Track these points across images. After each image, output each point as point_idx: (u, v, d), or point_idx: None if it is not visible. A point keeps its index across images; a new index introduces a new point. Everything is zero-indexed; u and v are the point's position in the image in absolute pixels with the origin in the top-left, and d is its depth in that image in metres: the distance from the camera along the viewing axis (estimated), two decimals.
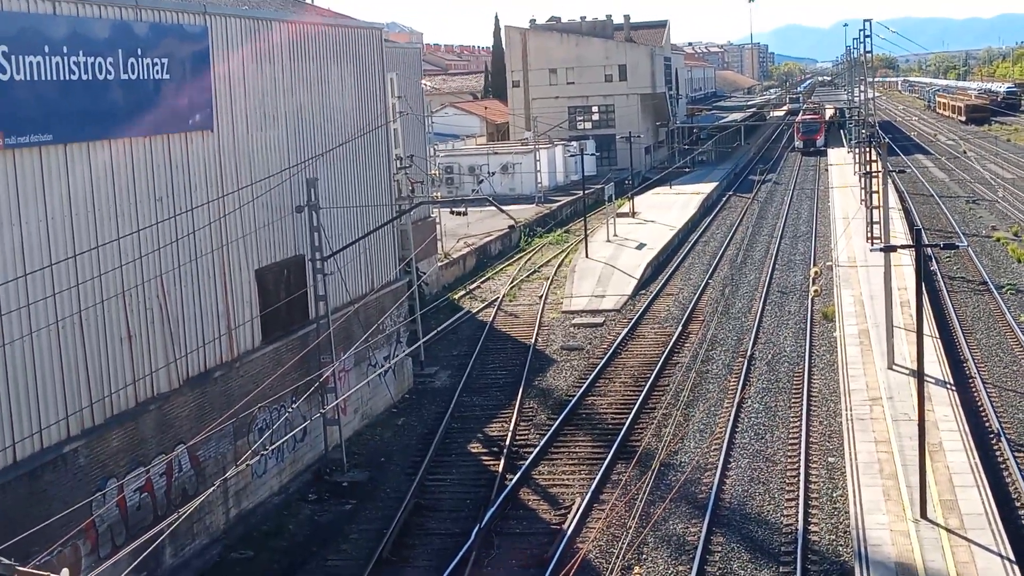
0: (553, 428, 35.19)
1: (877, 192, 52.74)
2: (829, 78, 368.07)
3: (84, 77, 23.28)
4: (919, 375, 26.03)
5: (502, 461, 32.75)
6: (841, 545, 26.31)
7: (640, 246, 66.92)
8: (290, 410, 29.94)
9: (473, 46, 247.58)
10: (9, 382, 21.25)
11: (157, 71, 25.68)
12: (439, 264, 59.50)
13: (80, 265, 23.02)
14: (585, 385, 39.61)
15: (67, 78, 22.79)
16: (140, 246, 24.93)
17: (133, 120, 24.98)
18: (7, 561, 8.36)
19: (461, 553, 26.51)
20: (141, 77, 25.13)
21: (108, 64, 23.99)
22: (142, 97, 25.24)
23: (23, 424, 21.57)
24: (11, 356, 21.27)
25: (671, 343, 44.72)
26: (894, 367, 37.00)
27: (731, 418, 35.08)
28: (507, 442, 34.34)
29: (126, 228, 24.50)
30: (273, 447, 28.26)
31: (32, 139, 21.96)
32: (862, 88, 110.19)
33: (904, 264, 51.81)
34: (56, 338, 22.47)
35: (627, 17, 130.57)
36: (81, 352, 23.21)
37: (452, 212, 73.99)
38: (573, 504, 29.49)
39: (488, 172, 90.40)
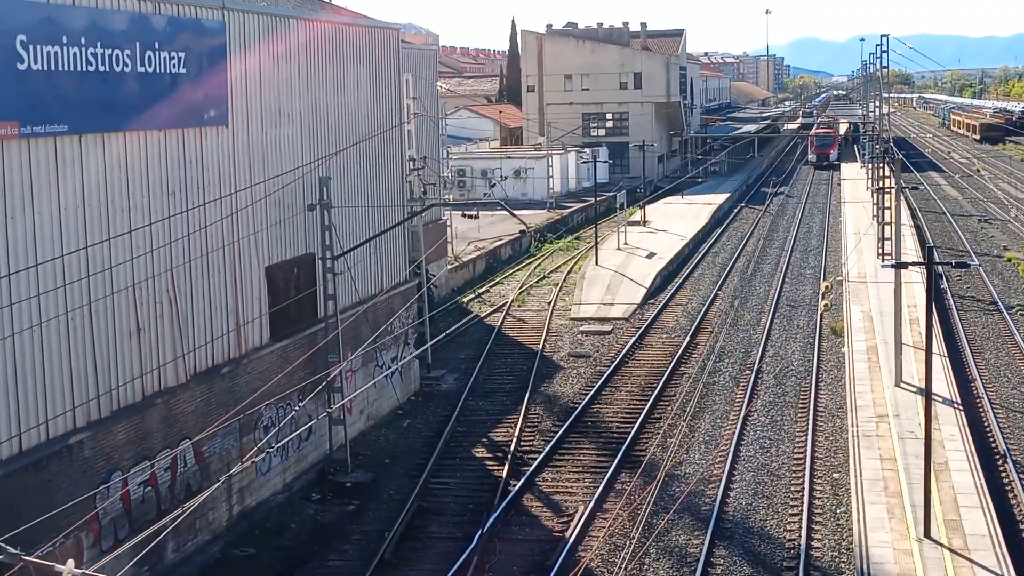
0: (558, 435, 35.13)
1: (889, 208, 52.57)
2: (844, 92, 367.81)
3: (101, 69, 23.29)
4: (927, 393, 25.95)
5: (506, 466, 32.70)
6: (844, 562, 26.22)
7: (650, 255, 66.85)
8: (296, 409, 29.91)
9: (489, 49, 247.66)
10: (17, 371, 21.25)
11: (174, 65, 25.69)
12: (449, 267, 59.47)
13: (91, 256, 23.02)
14: (591, 393, 39.54)
15: (84, 69, 22.80)
16: (151, 239, 24.93)
17: (148, 113, 25.00)
18: (12, 550, 8.33)
19: (463, 557, 26.47)
20: (158, 70, 25.14)
21: (125, 56, 24.00)
22: (158, 90, 25.25)
23: (30, 414, 21.57)
24: (20, 345, 21.28)
25: (679, 353, 44.64)
26: (902, 385, 36.90)
27: (737, 430, 35.00)
28: (512, 447, 34.28)
29: (138, 221, 24.50)
30: (278, 445, 28.22)
31: (48, 129, 21.97)
32: (877, 103, 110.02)
33: (914, 281, 51.68)
34: (65, 329, 22.47)
35: (644, 25, 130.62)
36: (90, 344, 23.21)
37: (464, 215, 73.93)
38: (576, 512, 29.42)
39: (500, 176, 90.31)
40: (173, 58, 25.62)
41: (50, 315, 21.96)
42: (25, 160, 21.50)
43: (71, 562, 9.78)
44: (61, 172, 22.43)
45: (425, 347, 41.36)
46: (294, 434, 30.28)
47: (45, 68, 21.76)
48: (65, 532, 21.15)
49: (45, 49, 21.72)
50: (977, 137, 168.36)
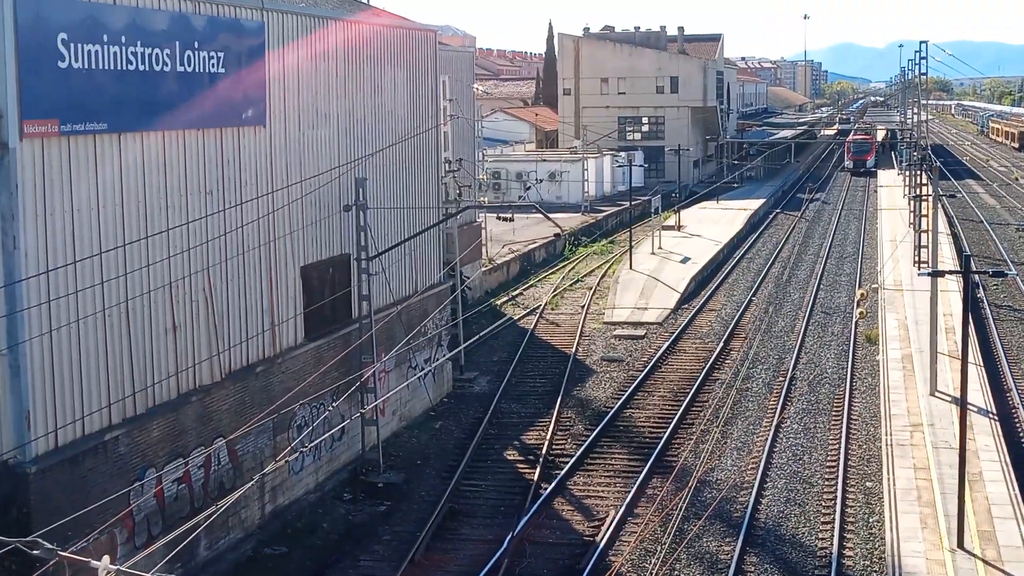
0: (590, 439, 35.09)
1: (926, 216, 52.27)
2: (882, 99, 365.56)
3: (141, 68, 23.46)
4: (962, 403, 25.75)
5: (538, 469, 32.69)
6: (875, 572, 26.07)
7: (685, 260, 66.68)
8: (329, 409, 30.00)
9: (526, 52, 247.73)
10: (54, 368, 21.43)
11: (213, 64, 25.84)
12: (483, 269, 59.51)
13: (128, 255, 23.18)
14: (624, 397, 39.47)
15: (124, 68, 22.96)
16: (188, 238, 25.08)
17: (187, 112, 25.15)
18: (49, 545, 8.39)
19: (494, 559, 26.48)
20: (197, 70, 25.30)
21: (165, 55, 24.16)
22: (197, 90, 25.41)
23: (66, 410, 21.74)
24: (57, 342, 21.46)
25: (712, 359, 44.50)
26: (937, 394, 36.64)
27: (770, 437, 34.85)
28: (543, 451, 34.27)
29: (175, 220, 24.65)
30: (311, 445, 28.31)
31: (87, 127, 22.15)
32: (915, 110, 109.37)
33: (951, 290, 51.29)
34: (102, 326, 22.64)
35: (681, 29, 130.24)
36: (126, 341, 23.37)
37: (499, 217, 74.05)
38: (607, 516, 29.38)
39: (536, 179, 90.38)
40: (212, 58, 25.77)
41: (87, 312, 22.14)
42: (65, 158, 21.68)
43: (107, 558, 9.85)
44: (100, 170, 22.60)
45: (458, 349, 41.42)
46: (327, 434, 30.38)
47: (85, 67, 21.94)
48: (100, 528, 21.31)
49: (86, 48, 21.90)
50: (1016, 145, 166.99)
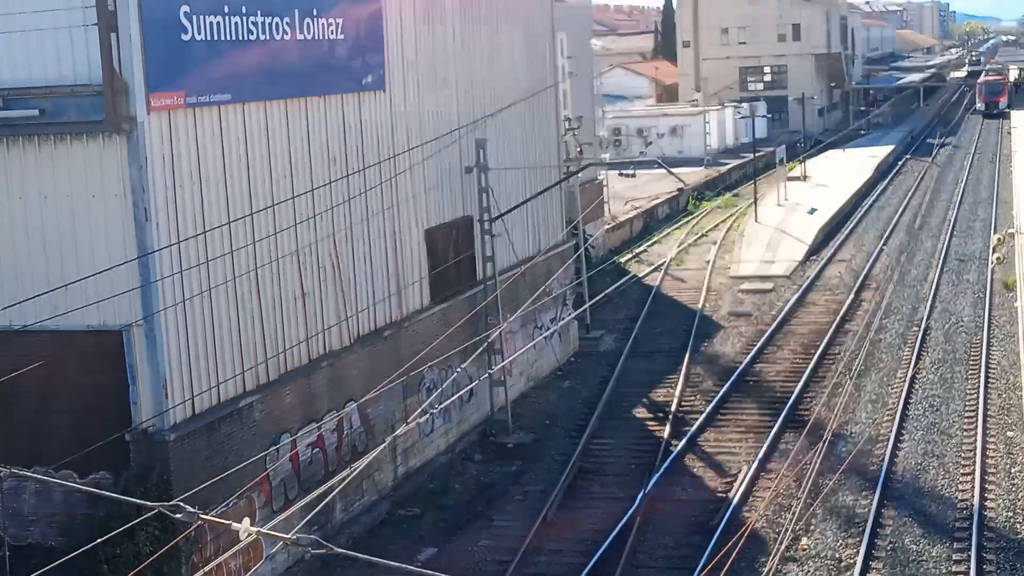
0: (720, 395, 34.76)
1: None
2: (1014, 37, 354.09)
3: (262, 37, 23.68)
4: None
5: (667, 427, 32.49)
6: (1019, 523, 25.40)
7: (812, 211, 65.49)
8: (457, 371, 30.15)
9: (643, 6, 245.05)
10: (189, 337, 21.85)
11: (332, 31, 25.98)
12: (606, 227, 59.20)
13: (256, 223, 23.49)
14: (753, 352, 38.99)
15: (246, 38, 23.20)
16: (314, 205, 25.32)
17: (308, 80, 25.35)
18: (191, 509, 8.52)
19: (626, 517, 26.39)
20: (316, 37, 25.46)
21: (285, 24, 24.35)
22: (317, 57, 25.58)
23: (202, 378, 22.18)
24: (191, 312, 21.87)
25: (843, 311, 43.68)
26: None
27: (905, 389, 34.10)
28: (672, 408, 34.04)
29: (300, 187, 24.90)
30: (441, 407, 28.53)
31: (212, 99, 22.45)
32: None
33: None
34: (233, 295, 23.01)
35: None
36: (257, 309, 23.72)
37: (620, 174, 73.61)
38: (739, 472, 29.09)
39: (657, 134, 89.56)
40: (331, 24, 25.90)
41: (218, 281, 22.51)
42: (191, 129, 22.02)
43: (247, 520, 9.99)
44: (225, 140, 22.91)
45: (583, 308, 41.28)
46: (456, 396, 30.53)
47: (208, 38, 22.21)
48: (238, 493, 21.74)
49: (207, 19, 22.16)
50: None
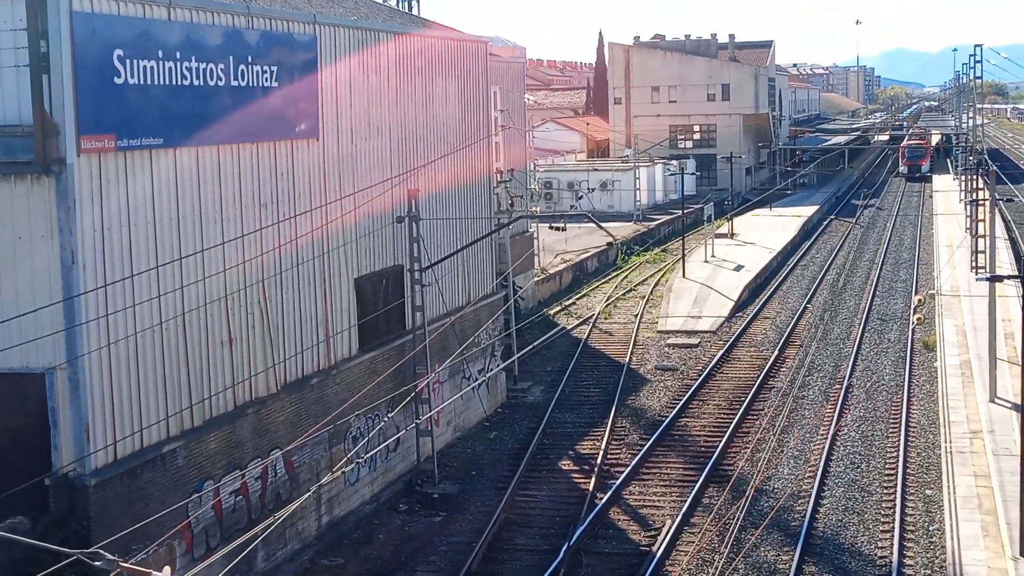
0: (645, 448, 34.94)
1: (983, 220, 51.64)
2: (936, 103, 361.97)
3: (195, 83, 23.67)
4: (1023, 409, 25.39)
5: (593, 479, 32.58)
6: None
7: (738, 267, 66.32)
8: (384, 420, 30.08)
9: (576, 62, 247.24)
10: (113, 381, 21.62)
11: (266, 79, 26.03)
12: (536, 279, 59.47)
13: (184, 268, 23.36)
14: (679, 406, 39.28)
15: (179, 83, 23.18)
16: (243, 251, 25.23)
17: (241, 126, 25.34)
18: (110, 556, 8.46)
19: (550, 570, 26.38)
20: (250, 84, 25.49)
21: (219, 70, 24.37)
22: (250, 104, 25.59)
23: (124, 423, 21.93)
24: (115, 356, 21.65)
25: (767, 367, 44.19)
26: (996, 400, 36.16)
27: (827, 446, 34.51)
28: (598, 460, 34.16)
29: (230, 233, 24.82)
30: (367, 456, 28.39)
31: (143, 142, 22.37)
32: (970, 114, 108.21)
33: (1009, 295, 50.61)
34: (159, 339, 22.82)
35: (732, 36, 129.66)
36: (183, 354, 23.54)
37: (551, 227, 73.99)
38: (663, 526, 29.21)
39: (587, 188, 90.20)
40: (265, 72, 25.96)
41: (145, 325, 22.32)
42: (121, 173, 21.90)
43: (167, 568, 9.92)
44: (156, 185, 22.80)
45: (512, 359, 41.41)
46: (382, 445, 30.45)
47: (141, 82, 22.16)
48: (159, 540, 21.47)
49: (141, 63, 22.12)
50: None
